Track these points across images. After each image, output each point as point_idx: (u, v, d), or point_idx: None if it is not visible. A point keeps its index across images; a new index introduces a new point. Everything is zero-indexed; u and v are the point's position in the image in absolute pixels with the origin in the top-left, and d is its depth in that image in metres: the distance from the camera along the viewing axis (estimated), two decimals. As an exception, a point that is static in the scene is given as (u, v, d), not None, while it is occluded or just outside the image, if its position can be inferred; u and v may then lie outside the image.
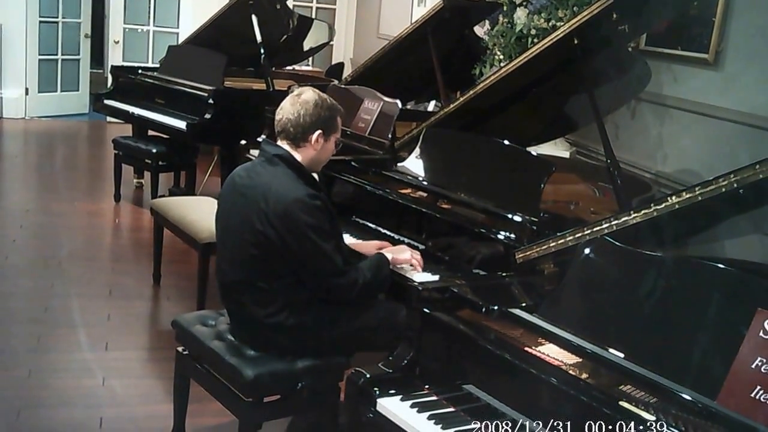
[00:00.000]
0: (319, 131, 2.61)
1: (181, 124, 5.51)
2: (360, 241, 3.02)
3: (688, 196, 2.00)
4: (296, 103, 2.61)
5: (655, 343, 1.83)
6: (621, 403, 1.69)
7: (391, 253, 2.78)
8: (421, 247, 2.95)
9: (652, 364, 1.79)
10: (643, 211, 2.09)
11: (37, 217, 5.55)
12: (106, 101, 6.29)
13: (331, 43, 7.53)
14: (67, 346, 3.62)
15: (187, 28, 8.12)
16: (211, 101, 5.46)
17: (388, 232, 3.15)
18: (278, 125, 2.64)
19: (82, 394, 3.22)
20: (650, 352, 1.82)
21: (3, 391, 3.17)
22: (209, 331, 2.73)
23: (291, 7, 6.61)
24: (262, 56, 5.67)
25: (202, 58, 5.81)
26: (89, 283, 4.40)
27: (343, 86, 4.20)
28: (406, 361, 2.17)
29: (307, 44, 6.65)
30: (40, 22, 8.69)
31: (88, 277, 4.49)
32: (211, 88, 5.51)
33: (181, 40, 7.62)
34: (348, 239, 3.02)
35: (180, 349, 2.81)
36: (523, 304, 2.15)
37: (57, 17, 8.90)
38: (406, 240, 3.05)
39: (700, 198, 1.97)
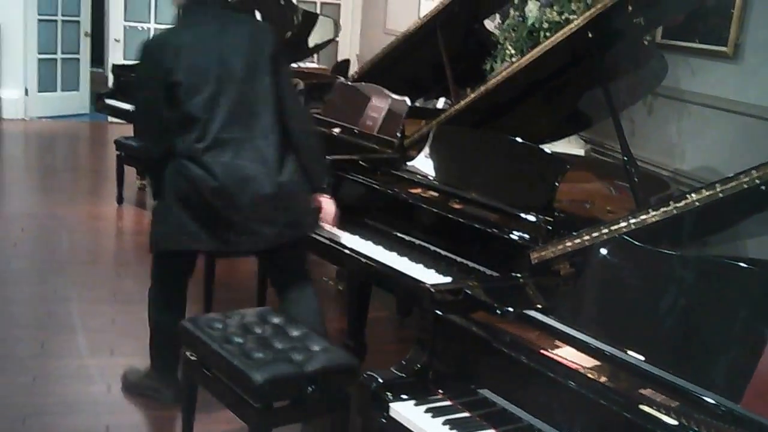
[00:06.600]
0: None
1: (185, 124, 5.45)
2: None
3: (708, 193, 1.95)
4: None
5: (676, 346, 1.78)
6: (641, 406, 1.64)
7: None
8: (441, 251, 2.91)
9: (673, 366, 1.74)
10: (662, 209, 2.04)
11: (38, 220, 5.50)
12: (108, 101, 6.25)
13: (337, 39, 7.46)
14: (72, 352, 3.58)
15: (189, 27, 8.05)
16: (214, 100, 5.39)
17: (399, 234, 3.09)
18: None
19: (88, 400, 3.17)
20: (671, 354, 1.77)
21: (8, 398, 3.12)
22: (216, 334, 2.69)
23: (295, 2, 6.55)
24: (266, 54, 5.60)
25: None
26: (93, 288, 4.35)
27: (350, 83, 4.14)
28: (419, 366, 2.12)
29: (312, 40, 6.57)
30: (39, 20, 8.61)
31: (92, 281, 4.44)
32: (214, 86, 5.45)
33: (184, 38, 7.56)
34: (360, 241, 3.00)
35: (188, 354, 2.76)
36: (539, 306, 2.10)
37: (56, 15, 8.83)
38: (417, 241, 3.00)
39: (720, 195, 1.92)
